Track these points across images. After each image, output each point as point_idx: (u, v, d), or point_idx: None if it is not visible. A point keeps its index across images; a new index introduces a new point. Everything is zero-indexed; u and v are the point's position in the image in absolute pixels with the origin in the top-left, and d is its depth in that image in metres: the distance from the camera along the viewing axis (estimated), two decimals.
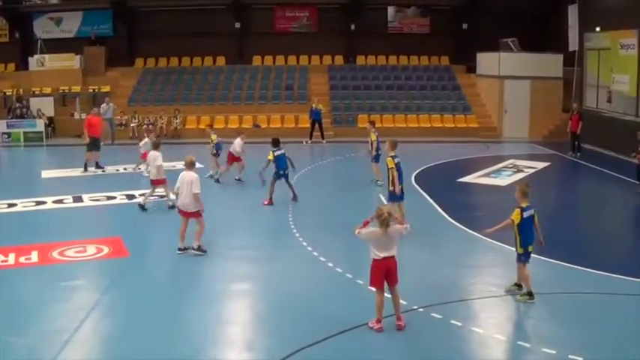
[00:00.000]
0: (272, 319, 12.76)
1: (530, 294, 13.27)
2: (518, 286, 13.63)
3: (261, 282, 15.07)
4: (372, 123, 25.94)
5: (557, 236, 18.63)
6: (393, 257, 11.85)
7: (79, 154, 28.51)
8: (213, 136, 26.56)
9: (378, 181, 24.14)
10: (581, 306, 13.32)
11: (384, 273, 11.83)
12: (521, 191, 13.59)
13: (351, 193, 24.01)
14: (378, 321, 11.90)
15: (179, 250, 16.60)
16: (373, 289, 12.11)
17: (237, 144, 25.39)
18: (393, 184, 18.14)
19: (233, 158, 25.57)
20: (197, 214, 16.65)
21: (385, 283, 11.95)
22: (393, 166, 18.13)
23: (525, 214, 13.31)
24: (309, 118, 37.36)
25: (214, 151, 26.49)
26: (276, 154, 21.90)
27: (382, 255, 11.74)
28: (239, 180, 25.53)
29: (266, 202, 21.78)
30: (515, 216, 13.28)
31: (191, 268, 15.69)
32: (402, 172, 18.47)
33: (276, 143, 22.25)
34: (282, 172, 21.96)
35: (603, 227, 20.81)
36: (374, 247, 11.77)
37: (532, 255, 13.55)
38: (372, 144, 24.81)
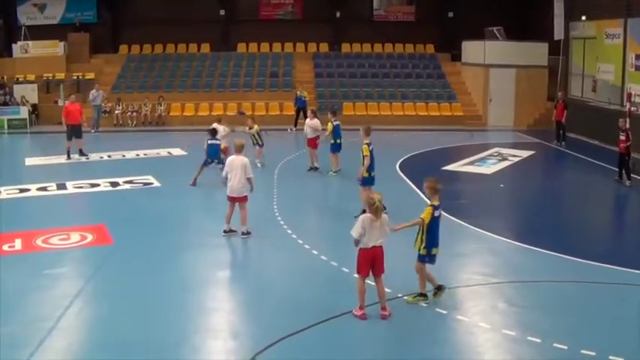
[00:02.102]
0: (256, 307, 12.74)
1: (423, 295, 12.61)
2: (439, 288, 12.74)
3: (246, 270, 15.08)
4: (334, 113, 25.74)
5: (541, 225, 18.79)
6: (380, 247, 11.84)
7: (63, 142, 28.35)
8: (256, 126, 26.07)
9: (331, 172, 24.42)
10: (565, 294, 13.37)
11: (371, 262, 11.82)
12: (431, 188, 12.58)
13: (337, 180, 24.00)
14: (361, 308, 11.90)
15: (224, 232, 16.80)
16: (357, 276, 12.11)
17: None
18: (367, 170, 18.31)
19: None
20: (245, 199, 16.75)
21: (371, 273, 11.95)
22: (368, 153, 18.28)
23: (436, 213, 12.42)
24: (293, 106, 37.28)
25: (260, 142, 25.95)
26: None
27: (371, 244, 11.72)
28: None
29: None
30: (426, 214, 12.32)
31: (175, 256, 15.64)
32: (374, 159, 18.57)
33: (213, 133, 23.33)
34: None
35: (587, 216, 20.88)
36: (365, 236, 11.70)
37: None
38: (329, 132, 24.72)
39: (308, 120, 26.05)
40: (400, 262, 12.94)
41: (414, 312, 12.29)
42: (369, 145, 18.37)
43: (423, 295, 12.59)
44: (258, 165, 25.19)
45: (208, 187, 22.60)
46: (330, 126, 24.39)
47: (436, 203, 12.39)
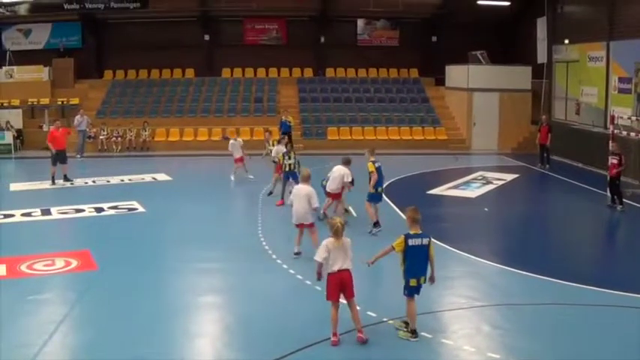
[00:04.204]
0: (241, 333, 12.71)
1: (413, 332, 12.16)
2: (406, 323, 12.37)
3: (231, 295, 15.04)
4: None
5: (526, 248, 18.88)
6: (347, 270, 11.86)
7: (47, 167, 28.28)
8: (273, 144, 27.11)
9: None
10: (549, 317, 13.41)
11: (340, 286, 11.85)
12: (410, 218, 12.17)
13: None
14: (333, 334, 11.83)
15: (295, 254, 17.08)
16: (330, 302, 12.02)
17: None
18: (373, 187, 19.31)
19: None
20: (311, 225, 17.09)
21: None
22: (373, 170, 19.24)
23: (412, 242, 11.91)
24: (278, 131, 37.32)
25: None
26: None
27: (336, 268, 11.79)
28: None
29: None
30: (397, 244, 11.95)
31: (160, 282, 15.65)
32: (383, 177, 20.05)
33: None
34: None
35: (572, 239, 20.98)
36: (329, 260, 11.81)
37: (422, 287, 12.23)
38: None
39: (278, 146, 25.65)
40: (386, 286, 12.98)
41: (415, 340, 12.23)
42: (374, 162, 19.35)
43: (412, 332, 12.18)
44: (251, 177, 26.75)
45: (193, 212, 22.63)
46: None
47: (412, 232, 12.05)
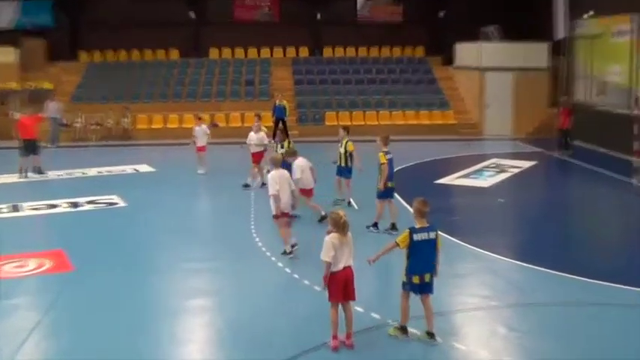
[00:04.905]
0: (232, 337, 12.66)
1: (403, 329, 12.22)
2: (402, 328, 12.23)
3: (221, 297, 14.97)
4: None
5: (545, 242, 18.80)
6: (350, 267, 11.79)
7: (17, 158, 28.22)
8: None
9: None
10: (571, 317, 13.37)
11: (344, 285, 11.75)
12: (417, 210, 12.10)
13: (318, 197, 23.95)
14: (334, 337, 11.77)
15: (290, 250, 17.08)
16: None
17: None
18: (383, 182, 18.79)
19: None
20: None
21: None
22: (385, 162, 18.67)
23: (417, 237, 11.88)
24: (272, 116, 37.23)
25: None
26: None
27: (341, 265, 11.67)
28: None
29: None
30: (401, 239, 11.93)
31: (143, 283, 15.60)
32: (393, 170, 19.15)
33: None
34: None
35: (595, 232, 20.95)
36: (333, 258, 11.62)
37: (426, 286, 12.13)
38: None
39: (252, 133, 25.69)
40: (391, 285, 12.93)
41: (407, 340, 12.19)
42: (386, 153, 18.80)
43: (402, 329, 12.19)
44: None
45: (178, 206, 22.57)
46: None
47: (418, 226, 11.99)
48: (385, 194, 19.08)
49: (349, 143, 22.01)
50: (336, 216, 11.78)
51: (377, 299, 13.19)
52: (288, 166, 21.15)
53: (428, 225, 12.04)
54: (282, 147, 23.01)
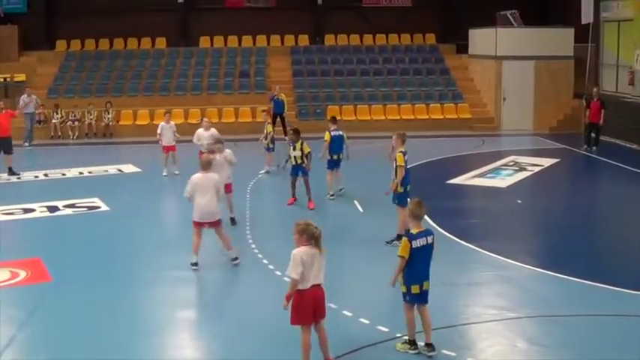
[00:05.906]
0: (223, 354, 12.71)
1: (412, 343, 12.20)
2: (411, 343, 12.24)
3: (213, 309, 15.00)
4: (334, 120, 25.91)
5: (568, 248, 18.79)
6: (320, 285, 11.36)
7: None
8: (270, 127, 27.93)
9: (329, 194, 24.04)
10: (599, 330, 13.36)
11: (312, 306, 11.30)
12: (411, 212, 12.12)
13: (319, 200, 23.99)
14: None
15: (193, 264, 16.93)
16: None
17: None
18: (401, 184, 18.40)
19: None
20: (218, 223, 17.26)
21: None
22: (403, 163, 18.37)
23: (415, 244, 11.77)
24: (270, 111, 37.15)
25: (271, 145, 27.80)
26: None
27: (309, 284, 11.20)
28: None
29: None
30: (402, 250, 11.78)
31: (127, 294, 15.60)
32: (409, 172, 18.82)
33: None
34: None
35: (624, 237, 20.88)
36: (301, 275, 11.10)
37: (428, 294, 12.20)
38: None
39: (201, 130, 25.89)
40: (400, 295, 12.91)
41: (417, 354, 12.22)
42: (404, 153, 18.47)
43: (411, 343, 12.18)
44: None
45: (166, 210, 22.61)
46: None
47: (414, 232, 11.93)
48: (405, 197, 18.17)
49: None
50: (311, 228, 11.24)
51: (383, 312, 13.17)
52: (304, 171, 21.39)
53: (425, 229, 12.04)
54: (294, 149, 22.80)
